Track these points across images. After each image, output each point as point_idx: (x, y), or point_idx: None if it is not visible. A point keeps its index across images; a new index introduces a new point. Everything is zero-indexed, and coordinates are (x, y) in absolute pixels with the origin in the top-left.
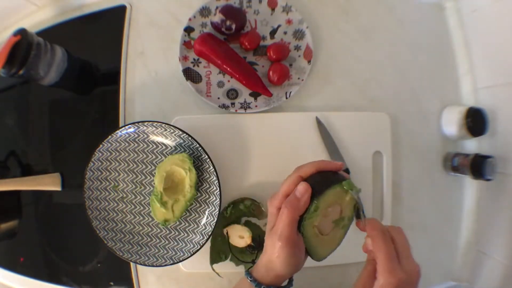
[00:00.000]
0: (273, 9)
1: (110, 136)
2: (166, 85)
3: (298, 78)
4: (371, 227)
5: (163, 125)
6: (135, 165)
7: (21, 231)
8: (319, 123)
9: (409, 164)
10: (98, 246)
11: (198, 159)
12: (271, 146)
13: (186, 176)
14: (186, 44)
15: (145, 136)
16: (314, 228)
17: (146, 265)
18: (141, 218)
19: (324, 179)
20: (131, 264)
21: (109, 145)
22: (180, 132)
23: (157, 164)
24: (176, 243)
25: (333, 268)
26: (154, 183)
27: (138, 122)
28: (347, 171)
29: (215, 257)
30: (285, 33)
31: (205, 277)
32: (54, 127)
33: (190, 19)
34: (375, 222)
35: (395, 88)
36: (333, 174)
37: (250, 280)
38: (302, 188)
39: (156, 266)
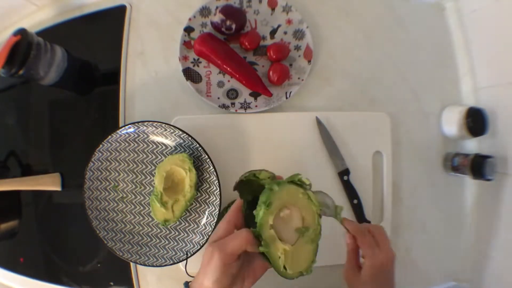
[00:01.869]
0: (273, 9)
1: (110, 136)
2: (166, 85)
3: (298, 78)
4: (352, 228)
5: (163, 125)
6: (135, 165)
7: (21, 231)
8: (319, 123)
9: (409, 164)
10: (98, 246)
11: (198, 159)
12: (271, 146)
13: (186, 176)
14: (186, 44)
15: (145, 136)
16: (271, 230)
17: (146, 265)
18: (141, 218)
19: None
20: (131, 264)
21: (109, 145)
22: (180, 132)
23: (157, 164)
24: (176, 243)
25: (333, 268)
26: (154, 183)
27: (138, 122)
28: (347, 171)
29: None
30: (285, 33)
31: None
32: (54, 127)
33: (190, 19)
34: (353, 223)
35: (395, 88)
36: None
37: None
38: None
39: (156, 266)
